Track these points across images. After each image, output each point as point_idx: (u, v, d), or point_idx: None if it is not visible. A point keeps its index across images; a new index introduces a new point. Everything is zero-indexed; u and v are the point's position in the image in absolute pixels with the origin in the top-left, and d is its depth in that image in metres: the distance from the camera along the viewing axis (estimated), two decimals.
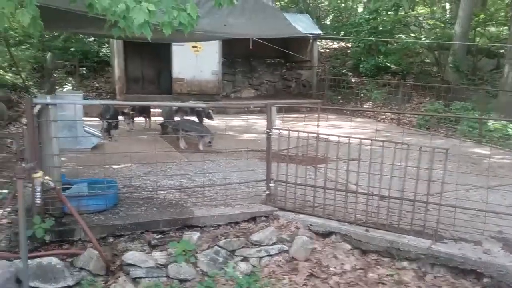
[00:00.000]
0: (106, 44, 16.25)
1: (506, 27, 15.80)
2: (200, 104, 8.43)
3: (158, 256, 3.90)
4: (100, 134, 7.72)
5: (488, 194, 4.65)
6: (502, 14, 17.94)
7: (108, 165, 5.96)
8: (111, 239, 4.16)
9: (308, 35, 12.33)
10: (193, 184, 5.55)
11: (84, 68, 15.24)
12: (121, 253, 3.95)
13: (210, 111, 8.41)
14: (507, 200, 4.87)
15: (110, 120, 7.77)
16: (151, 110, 9.88)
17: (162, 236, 4.24)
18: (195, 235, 4.11)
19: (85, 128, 7.48)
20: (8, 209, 4.31)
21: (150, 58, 14.57)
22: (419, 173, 4.19)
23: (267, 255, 4.17)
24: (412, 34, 17.33)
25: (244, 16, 13.35)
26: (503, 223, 4.24)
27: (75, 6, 3.73)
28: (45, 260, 3.62)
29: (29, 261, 3.48)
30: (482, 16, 15.69)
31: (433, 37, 15.66)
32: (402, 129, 10.37)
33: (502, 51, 14.97)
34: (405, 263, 4.04)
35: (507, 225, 4.15)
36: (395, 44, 16.16)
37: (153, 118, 9.73)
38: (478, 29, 16.27)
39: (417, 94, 13.71)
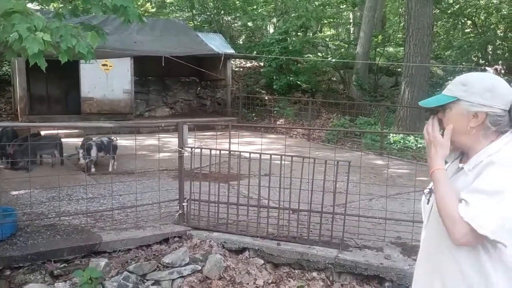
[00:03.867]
0: (6, 62, 15.12)
1: (403, 48, 17.31)
2: (107, 124, 8.10)
3: (61, 286, 3.66)
4: None
5: (388, 202, 4.99)
6: (399, 36, 19.66)
7: (6, 191, 5.50)
8: (8, 272, 3.82)
9: (220, 53, 12.51)
10: (101, 208, 5.30)
11: None
12: (19, 286, 3.65)
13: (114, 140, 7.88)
14: (405, 207, 5.27)
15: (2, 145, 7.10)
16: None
17: (66, 265, 3.99)
18: (102, 262, 3.91)
19: None
20: None
21: (56, 76, 13.77)
22: (326, 186, 4.39)
23: (180, 277, 4.09)
24: (320, 54, 18.32)
25: (154, 33, 13.25)
26: (401, 229, 4.57)
27: None
28: None
29: None
30: (380, 37, 17.04)
31: (338, 57, 16.67)
32: (311, 144, 10.83)
33: (399, 69, 16.35)
34: (314, 274, 4.19)
35: (404, 231, 4.48)
36: (304, 63, 16.95)
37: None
38: (378, 49, 17.64)
39: (326, 110, 14.44)
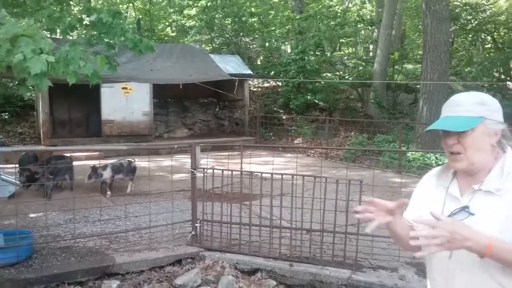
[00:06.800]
0: (31, 87, 15.63)
1: (420, 65, 17.20)
2: (121, 147, 8.22)
3: None
4: (18, 182, 7.28)
5: None
6: (419, 52, 19.56)
7: (24, 214, 5.62)
8: None
9: (233, 78, 12.65)
10: (116, 230, 5.36)
11: (6, 113, 14.50)
12: None
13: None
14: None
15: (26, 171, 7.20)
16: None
17: (80, 287, 4.03)
18: (114, 284, 3.94)
19: (1, 176, 7.05)
20: None
21: (78, 100, 14.17)
22: (339, 205, 4.35)
23: None
24: (337, 73, 18.32)
25: (171, 60, 13.50)
26: None
27: None
28: None
29: None
30: (397, 54, 16.97)
31: (355, 75, 16.65)
32: (329, 162, 10.75)
33: (418, 86, 16.21)
34: None
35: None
36: (322, 82, 16.98)
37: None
38: (396, 66, 17.55)
39: (343, 129, 14.36)
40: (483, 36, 19.50)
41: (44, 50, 2.78)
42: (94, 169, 7.23)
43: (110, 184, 7.40)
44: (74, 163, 7.78)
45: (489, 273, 1.50)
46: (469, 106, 1.59)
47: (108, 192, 7.31)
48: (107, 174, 7.30)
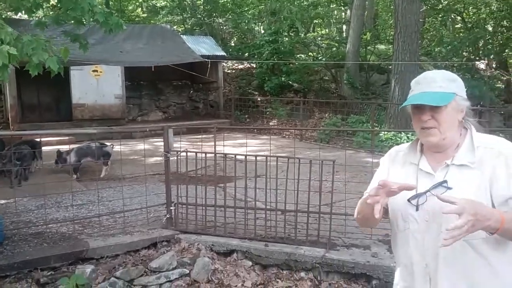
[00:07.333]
0: None
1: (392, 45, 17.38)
2: (91, 130, 8.08)
3: None
4: None
5: None
6: (391, 33, 19.72)
7: None
8: None
9: (206, 60, 12.48)
10: (89, 214, 5.29)
11: None
12: None
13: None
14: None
15: None
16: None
17: (53, 273, 3.98)
18: (88, 268, 3.91)
19: None
20: None
21: (47, 84, 13.66)
22: (313, 185, 4.40)
23: (167, 281, 4.10)
24: (311, 54, 18.33)
25: (141, 41, 13.20)
26: (389, 226, 4.56)
27: None
28: None
29: None
30: (369, 35, 17.08)
31: (329, 56, 16.69)
32: (304, 143, 10.84)
33: (390, 67, 16.40)
34: (302, 274, 4.19)
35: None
36: (296, 63, 16.98)
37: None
38: (368, 47, 17.68)
39: (318, 110, 14.46)
40: (453, 16, 19.80)
41: (4, 41, 2.67)
42: (58, 154, 7.25)
43: (76, 168, 7.34)
44: (46, 148, 7.62)
45: (475, 250, 1.52)
46: (442, 82, 1.62)
47: (74, 176, 7.22)
48: (71, 158, 7.24)
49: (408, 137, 9.84)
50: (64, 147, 7.72)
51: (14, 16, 11.81)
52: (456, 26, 20.53)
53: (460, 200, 1.36)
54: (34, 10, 4.94)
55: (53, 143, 10.10)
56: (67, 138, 10.56)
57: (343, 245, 4.40)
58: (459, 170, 1.58)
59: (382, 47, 19.93)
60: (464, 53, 17.45)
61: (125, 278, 3.96)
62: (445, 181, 1.57)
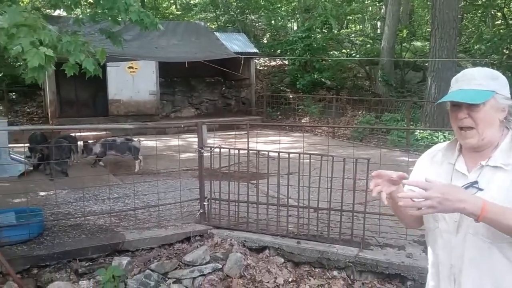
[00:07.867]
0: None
1: (429, 42, 16.95)
2: (126, 126, 8.29)
3: (85, 284, 3.77)
4: (27, 161, 7.35)
5: None
6: (428, 29, 19.24)
7: (34, 193, 5.69)
8: (35, 270, 3.96)
9: (239, 56, 12.54)
10: (125, 208, 5.42)
11: (14, 93, 14.55)
12: (46, 284, 3.77)
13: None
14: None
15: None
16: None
17: (91, 263, 4.10)
18: (124, 260, 4.01)
19: (11, 155, 7.13)
20: None
21: (84, 80, 14.00)
22: (346, 184, 4.35)
23: (201, 275, 4.14)
24: (344, 51, 18.11)
25: (175, 37, 13.39)
26: (424, 226, 4.47)
27: None
28: None
29: None
30: (405, 31, 16.71)
31: (363, 53, 16.44)
32: (336, 141, 10.74)
33: (426, 64, 16.01)
34: (335, 272, 4.16)
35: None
36: (329, 60, 16.81)
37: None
38: (404, 44, 17.31)
39: (351, 108, 14.28)
40: (493, 12, 19.10)
41: (44, 42, 2.75)
42: (85, 145, 7.76)
43: (99, 159, 7.85)
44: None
45: (502, 253, 1.49)
46: (481, 79, 1.57)
47: (96, 165, 7.79)
48: (96, 149, 7.73)
49: (444, 136, 9.60)
50: None
51: (53, 14, 12.20)
52: (496, 22, 19.79)
53: (434, 182, 1.42)
54: (73, 7, 5.09)
55: (90, 137, 10.39)
56: (104, 133, 10.83)
57: (377, 244, 4.34)
58: (493, 171, 1.54)
59: (418, 43, 19.48)
60: (504, 51, 16.82)
61: (159, 271, 4.03)
62: (476, 182, 1.55)
